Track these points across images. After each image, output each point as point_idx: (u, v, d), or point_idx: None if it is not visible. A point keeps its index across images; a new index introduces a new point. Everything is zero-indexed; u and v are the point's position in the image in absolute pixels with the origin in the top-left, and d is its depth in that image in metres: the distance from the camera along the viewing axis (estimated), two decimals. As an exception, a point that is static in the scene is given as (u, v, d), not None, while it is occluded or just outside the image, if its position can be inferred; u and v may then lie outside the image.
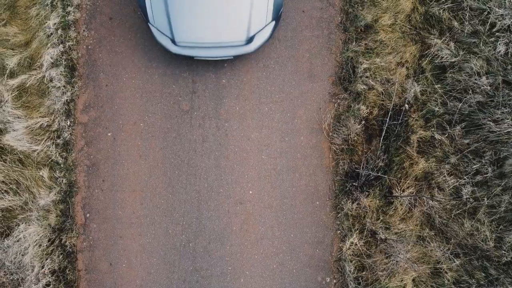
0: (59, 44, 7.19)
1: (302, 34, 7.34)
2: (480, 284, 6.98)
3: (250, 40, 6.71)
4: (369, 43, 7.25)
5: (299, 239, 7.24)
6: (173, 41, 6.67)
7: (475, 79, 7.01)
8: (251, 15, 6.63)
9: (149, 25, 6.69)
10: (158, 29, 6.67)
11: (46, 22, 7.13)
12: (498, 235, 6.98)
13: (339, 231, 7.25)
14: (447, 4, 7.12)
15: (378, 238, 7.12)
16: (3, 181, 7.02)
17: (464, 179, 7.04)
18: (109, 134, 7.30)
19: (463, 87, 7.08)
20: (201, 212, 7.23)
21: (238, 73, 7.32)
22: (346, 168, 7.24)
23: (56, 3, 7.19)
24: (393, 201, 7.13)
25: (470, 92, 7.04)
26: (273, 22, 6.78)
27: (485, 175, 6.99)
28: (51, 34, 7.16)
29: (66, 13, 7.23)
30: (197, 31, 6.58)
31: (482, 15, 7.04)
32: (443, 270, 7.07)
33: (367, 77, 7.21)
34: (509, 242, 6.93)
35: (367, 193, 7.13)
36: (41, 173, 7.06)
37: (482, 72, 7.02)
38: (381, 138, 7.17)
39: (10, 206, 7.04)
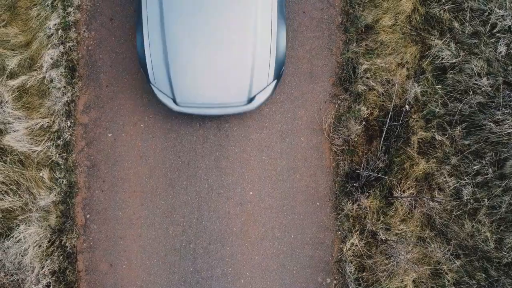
0: (59, 45, 7.19)
1: (302, 35, 7.33)
2: (480, 285, 6.97)
3: (251, 100, 6.71)
4: (370, 44, 7.25)
5: (300, 240, 7.24)
6: (174, 101, 6.68)
7: (476, 80, 7.01)
8: (252, 77, 6.61)
9: (150, 85, 6.71)
10: (159, 89, 6.69)
11: (47, 23, 7.13)
12: (498, 236, 6.98)
13: (339, 232, 7.25)
14: (447, 5, 7.12)
15: (379, 239, 7.11)
16: (3, 182, 7.02)
17: (465, 180, 7.04)
18: (109, 135, 7.29)
19: (463, 88, 7.08)
20: (201, 213, 7.23)
21: (239, 74, 7.32)
22: (346, 169, 7.24)
23: (57, 4, 7.19)
24: (394, 202, 7.13)
25: (471, 93, 7.04)
26: (275, 81, 6.76)
27: (485, 176, 6.99)
28: (52, 35, 7.16)
29: (67, 14, 7.23)
30: (198, 93, 6.59)
31: (482, 16, 7.04)
32: (444, 271, 7.06)
33: (367, 78, 7.21)
34: (510, 243, 6.92)
35: (367, 194, 7.12)
36: (41, 174, 7.05)
37: (483, 73, 7.02)
38: (382, 139, 7.16)
39: (10, 207, 7.04)
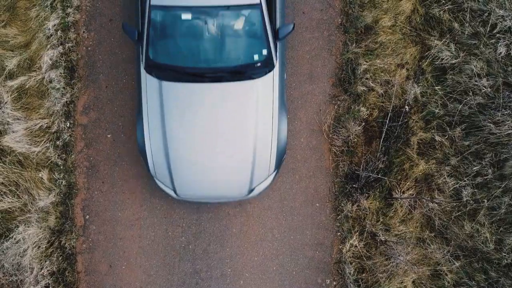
0: (58, 46, 7.18)
1: (302, 35, 7.33)
2: (480, 286, 6.96)
3: (251, 190, 6.68)
4: (369, 45, 7.24)
5: (299, 241, 7.23)
6: (175, 192, 6.67)
7: (476, 81, 7.00)
8: (253, 173, 6.55)
9: (151, 176, 6.72)
10: (160, 181, 6.68)
11: (46, 24, 7.13)
12: (498, 237, 6.97)
13: (339, 233, 7.24)
14: (447, 6, 7.11)
15: (378, 240, 7.11)
16: (2, 183, 7.02)
17: (464, 181, 7.03)
18: (108, 135, 7.29)
19: (463, 89, 7.07)
20: (200, 214, 7.22)
21: (238, 75, 7.29)
22: (346, 169, 7.23)
23: (56, 5, 7.18)
24: (393, 203, 7.12)
25: (471, 93, 7.03)
26: (276, 171, 6.71)
27: (485, 177, 6.98)
28: (51, 35, 7.15)
29: (66, 14, 7.22)
30: (199, 187, 6.54)
31: (482, 16, 7.03)
32: (443, 272, 7.06)
33: (367, 78, 7.20)
34: (509, 244, 6.92)
35: (367, 195, 7.12)
36: (40, 175, 7.05)
37: (483, 73, 7.01)
38: (381, 140, 7.16)
39: (9, 207, 7.04)
